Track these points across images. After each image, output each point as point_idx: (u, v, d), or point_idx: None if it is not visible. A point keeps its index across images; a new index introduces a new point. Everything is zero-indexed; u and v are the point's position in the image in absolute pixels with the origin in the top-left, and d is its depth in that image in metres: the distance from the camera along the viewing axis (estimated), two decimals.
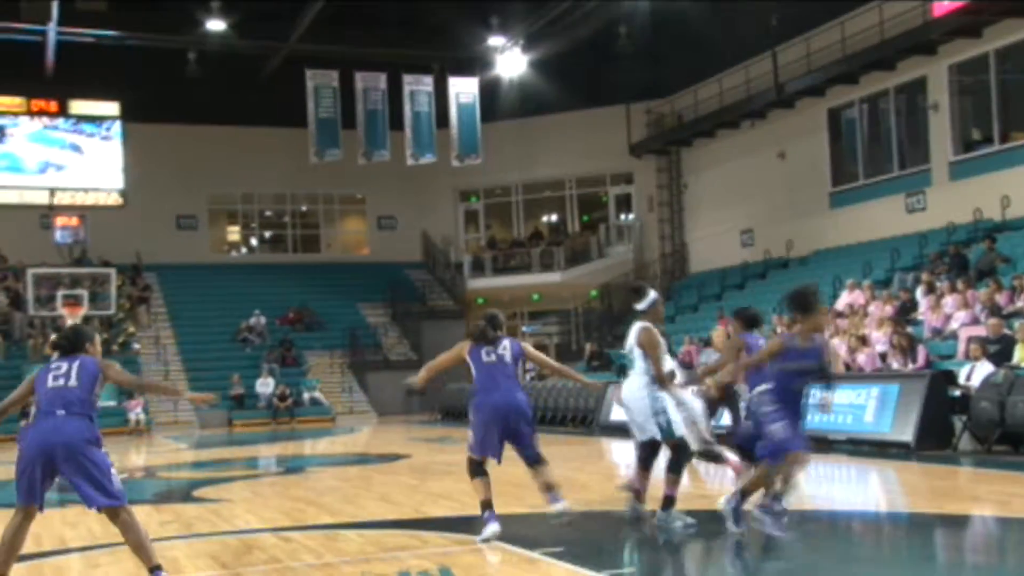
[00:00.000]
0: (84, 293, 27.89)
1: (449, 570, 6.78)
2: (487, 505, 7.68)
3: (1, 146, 31.98)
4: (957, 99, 22.74)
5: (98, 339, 6.94)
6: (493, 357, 8.03)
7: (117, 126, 32.68)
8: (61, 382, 6.31)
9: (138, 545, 6.22)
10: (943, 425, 13.61)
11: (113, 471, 6.25)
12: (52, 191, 31.95)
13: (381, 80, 28.64)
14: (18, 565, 7.51)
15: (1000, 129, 21.93)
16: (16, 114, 32.03)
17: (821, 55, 24.92)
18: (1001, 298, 16.46)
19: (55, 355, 6.71)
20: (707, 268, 30.00)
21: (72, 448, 6.08)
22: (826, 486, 11.31)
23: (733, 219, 28.84)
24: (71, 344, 6.64)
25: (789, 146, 27.03)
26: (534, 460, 7.92)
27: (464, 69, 30.03)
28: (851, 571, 6.60)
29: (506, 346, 8.11)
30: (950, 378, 14.11)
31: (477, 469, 7.86)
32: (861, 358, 16.40)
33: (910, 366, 15.10)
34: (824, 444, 13.46)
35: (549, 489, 7.92)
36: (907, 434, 13.47)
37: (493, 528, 7.56)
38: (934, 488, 10.70)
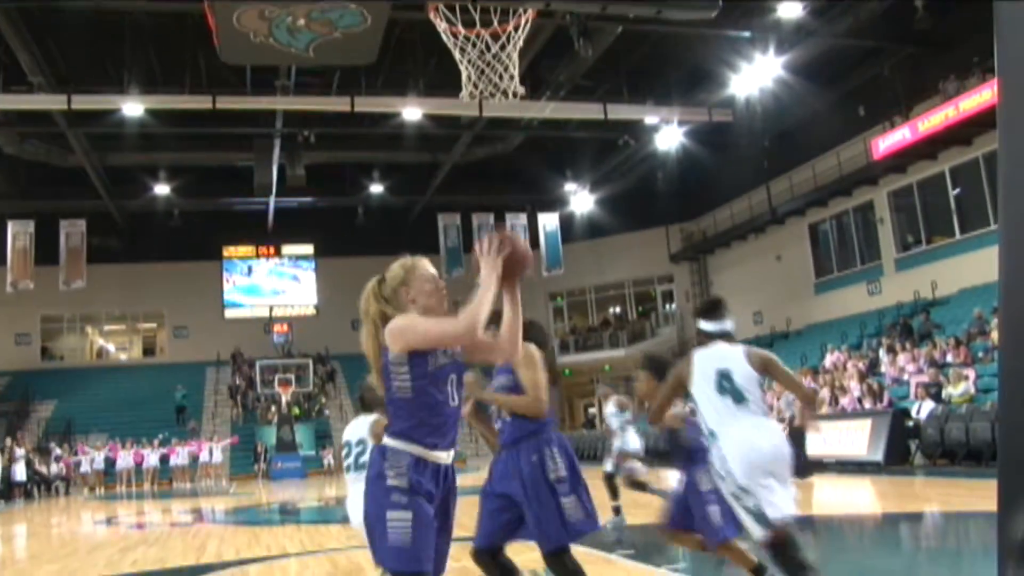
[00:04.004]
0: (292, 376, 28.80)
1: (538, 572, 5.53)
2: None
3: (249, 279, 33.76)
4: (895, 215, 22.71)
5: None
6: None
7: (312, 262, 34.23)
8: None
9: None
10: (903, 448, 13.80)
11: None
12: (271, 307, 33.72)
13: (490, 218, 28.99)
14: (254, 565, 7.50)
15: (926, 235, 21.93)
16: (250, 258, 33.89)
17: (801, 186, 25.02)
18: (936, 354, 16.50)
19: None
20: None
21: None
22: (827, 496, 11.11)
23: (747, 304, 28.36)
24: None
25: (783, 251, 26.96)
26: None
27: (548, 207, 30.57)
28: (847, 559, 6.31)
29: None
30: (906, 413, 14.30)
31: None
32: (844, 401, 16.42)
33: (878, 406, 15.23)
34: (820, 465, 13.50)
35: None
36: (878, 455, 13.65)
37: None
38: (900, 494, 10.62)
